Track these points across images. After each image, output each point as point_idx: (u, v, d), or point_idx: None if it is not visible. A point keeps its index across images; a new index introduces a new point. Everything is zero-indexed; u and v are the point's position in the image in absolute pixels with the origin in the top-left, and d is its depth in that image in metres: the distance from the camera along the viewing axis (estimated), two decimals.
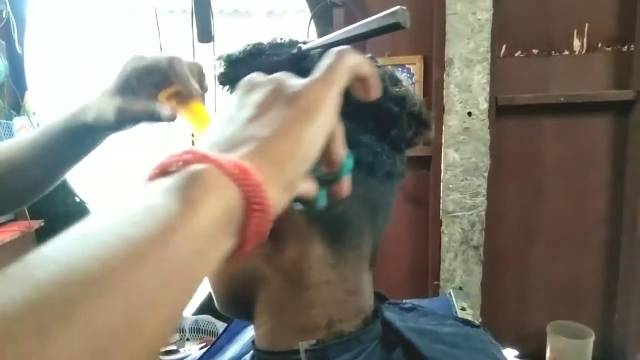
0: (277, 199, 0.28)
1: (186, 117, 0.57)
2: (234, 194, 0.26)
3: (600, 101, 1.65)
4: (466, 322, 0.57)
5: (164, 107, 0.57)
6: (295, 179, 0.30)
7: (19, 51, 2.07)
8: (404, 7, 0.39)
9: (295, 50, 0.48)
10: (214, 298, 0.53)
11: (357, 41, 0.49)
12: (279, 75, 0.34)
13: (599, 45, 1.67)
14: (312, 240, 0.45)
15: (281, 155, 0.29)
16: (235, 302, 0.52)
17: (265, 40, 0.50)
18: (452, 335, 0.52)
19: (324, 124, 0.31)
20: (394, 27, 0.51)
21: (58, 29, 2.18)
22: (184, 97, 0.57)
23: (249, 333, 0.66)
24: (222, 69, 0.52)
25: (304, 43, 0.49)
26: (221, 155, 0.27)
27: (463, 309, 1.41)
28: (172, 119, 0.57)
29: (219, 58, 0.54)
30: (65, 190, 2.19)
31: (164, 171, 0.27)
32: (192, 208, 0.25)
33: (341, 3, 1.69)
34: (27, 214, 1.99)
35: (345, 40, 0.50)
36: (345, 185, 0.37)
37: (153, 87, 0.59)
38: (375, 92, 0.35)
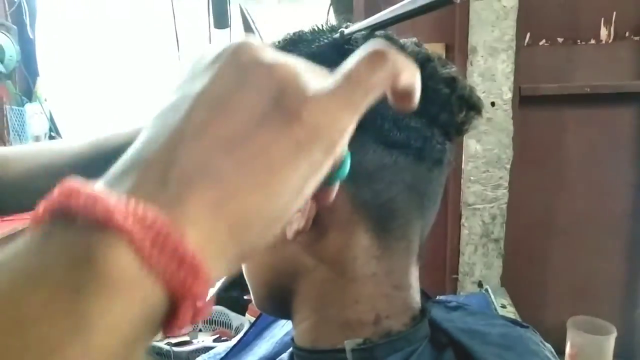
0: (219, 272, 0.19)
1: None
2: (156, 290, 0.17)
3: (627, 92, 1.61)
4: (515, 322, 0.55)
5: None
6: (257, 245, 0.21)
7: (31, 36, 2.05)
8: None
9: (337, 35, 0.46)
10: (252, 294, 0.50)
11: (403, 20, 0.46)
12: (291, 61, 0.23)
13: (627, 34, 1.62)
14: (357, 229, 0.43)
15: (248, 216, 0.19)
16: (274, 297, 0.49)
17: (306, 27, 0.48)
18: (503, 337, 0.49)
19: (327, 164, 0.22)
20: (445, 1, 0.48)
21: (70, 14, 2.15)
22: None
23: (279, 330, 0.63)
24: None
25: (346, 27, 0.46)
26: (142, 214, 0.17)
27: (504, 306, 1.37)
28: None
29: None
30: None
31: (39, 220, 0.18)
32: (87, 325, 0.16)
33: None
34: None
35: (391, 20, 0.47)
36: (334, 192, 0.29)
37: None
38: (411, 105, 0.25)
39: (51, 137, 2.08)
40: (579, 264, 1.76)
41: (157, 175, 0.18)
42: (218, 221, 0.18)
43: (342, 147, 0.22)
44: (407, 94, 0.24)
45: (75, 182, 0.18)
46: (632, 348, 1.73)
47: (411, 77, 0.24)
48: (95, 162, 0.55)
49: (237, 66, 0.22)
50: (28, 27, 2.03)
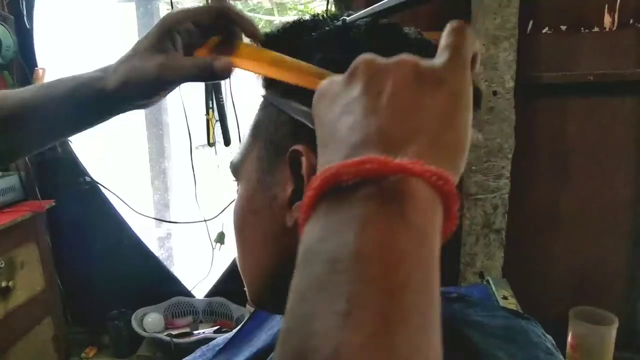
0: (455, 187, 0.27)
1: (240, 64, 0.49)
2: (440, 208, 0.26)
3: (631, 80, 1.59)
4: (517, 314, 0.53)
5: (218, 60, 0.48)
6: (460, 172, 0.29)
7: (28, 26, 2.03)
8: None
9: (339, 23, 0.45)
10: (247, 289, 0.49)
11: (406, 8, 0.45)
12: (404, 56, 0.30)
13: (631, 21, 1.59)
14: None
15: (453, 148, 0.28)
16: (271, 290, 0.48)
17: (306, 17, 0.48)
18: (505, 328, 0.48)
19: (470, 107, 0.29)
20: None
21: (68, 3, 2.13)
22: (224, 48, 0.50)
23: (278, 321, 0.62)
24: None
25: (348, 15, 0.46)
26: (415, 162, 0.25)
27: (505, 297, 1.36)
28: (227, 72, 0.49)
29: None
30: (76, 170, 2.16)
31: (335, 183, 0.26)
32: (424, 238, 0.24)
33: None
34: (38, 194, 1.96)
35: (393, 8, 0.46)
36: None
37: (195, 44, 0.52)
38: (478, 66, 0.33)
39: None
40: (581, 255, 1.75)
41: (391, 142, 0.26)
42: (438, 155, 0.26)
43: (472, 94, 0.30)
44: (476, 64, 0.32)
45: (368, 157, 0.25)
46: (634, 338, 1.72)
47: (477, 43, 0.32)
48: (42, 107, 0.55)
49: (373, 70, 0.30)
50: (25, 17, 2.01)
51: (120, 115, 0.57)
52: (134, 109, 0.56)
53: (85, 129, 0.59)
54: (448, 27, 0.31)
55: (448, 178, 0.25)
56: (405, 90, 0.28)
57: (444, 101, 0.28)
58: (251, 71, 0.48)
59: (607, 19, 1.60)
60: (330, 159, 0.28)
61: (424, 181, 0.25)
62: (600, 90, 1.62)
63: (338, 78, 0.31)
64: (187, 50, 0.52)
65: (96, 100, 0.53)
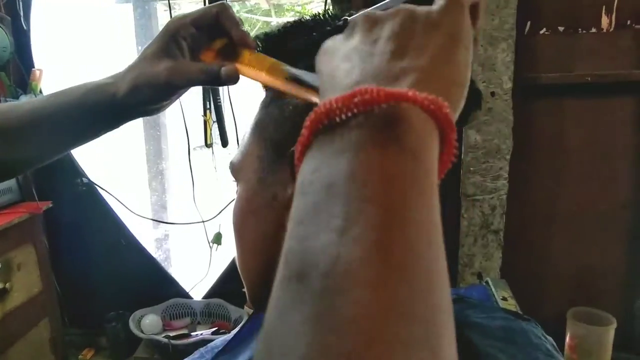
0: (454, 118, 0.28)
1: (242, 71, 0.49)
2: (436, 133, 0.26)
3: (629, 81, 1.59)
4: (516, 315, 0.53)
5: (225, 66, 0.49)
6: (458, 106, 0.29)
7: (25, 27, 2.02)
8: None
9: (341, 22, 0.46)
10: (247, 289, 0.49)
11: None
12: (402, 5, 0.31)
13: (628, 22, 1.60)
14: None
15: (445, 83, 0.28)
16: (270, 290, 0.48)
17: (307, 16, 0.48)
18: (505, 330, 0.48)
19: (470, 49, 0.30)
20: None
21: (64, 3, 2.12)
22: (229, 52, 0.51)
23: None
24: (259, 48, 0.50)
25: (349, 15, 0.46)
26: (407, 90, 0.25)
27: (504, 298, 1.36)
28: (234, 78, 0.49)
29: (257, 37, 0.51)
30: (73, 171, 2.16)
31: (328, 118, 0.26)
32: (419, 161, 0.24)
33: None
34: (35, 196, 1.96)
35: (395, 3, 0.46)
36: None
37: (200, 47, 0.53)
38: (483, 20, 0.34)
39: None
40: (579, 255, 1.75)
41: (384, 79, 0.27)
42: (430, 89, 0.26)
43: (470, 35, 0.30)
44: (478, 11, 0.33)
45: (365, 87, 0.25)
46: (632, 339, 1.72)
47: None
48: (54, 114, 0.56)
49: (371, 21, 0.31)
50: (22, 18, 2.00)
51: (130, 122, 0.58)
52: (144, 115, 0.56)
53: (95, 137, 0.60)
54: None
55: (442, 104, 0.25)
56: (401, 33, 0.29)
57: (440, 41, 0.28)
58: (252, 79, 0.48)
59: (604, 20, 1.60)
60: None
61: (417, 107, 0.25)
62: (597, 91, 1.62)
63: (339, 35, 0.33)
64: (194, 54, 0.52)
65: (107, 106, 0.53)
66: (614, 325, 1.55)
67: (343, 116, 0.25)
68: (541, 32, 1.64)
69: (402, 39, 0.29)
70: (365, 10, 0.32)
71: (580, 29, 1.62)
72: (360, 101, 0.25)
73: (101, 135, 0.59)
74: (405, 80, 0.27)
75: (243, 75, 0.49)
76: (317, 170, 0.25)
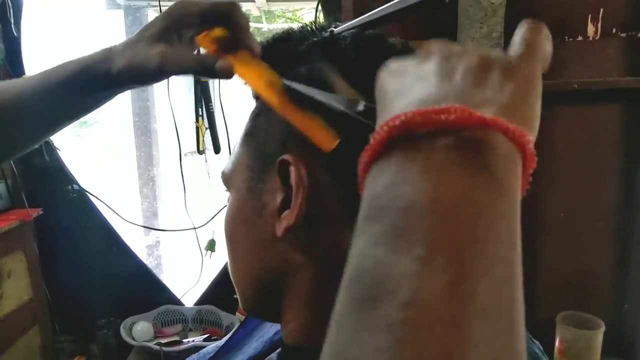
0: (532, 143, 0.28)
1: (238, 69, 0.48)
2: (520, 164, 0.26)
3: (615, 88, 1.61)
4: None
5: (222, 60, 0.48)
6: (535, 134, 0.29)
7: (16, 34, 2.02)
8: None
9: (327, 34, 0.46)
10: (239, 296, 0.50)
11: (392, 21, 0.46)
12: (477, 47, 0.31)
13: (614, 30, 1.62)
14: (348, 224, 0.42)
15: (527, 120, 0.27)
16: (262, 297, 0.48)
17: (295, 27, 0.49)
18: None
19: (540, 99, 0.29)
20: (434, 1, 0.47)
21: (55, 10, 2.12)
22: (228, 44, 0.50)
23: (269, 329, 0.62)
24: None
25: (335, 27, 0.47)
26: (496, 117, 0.24)
27: None
28: (228, 73, 0.48)
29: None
30: (63, 178, 2.15)
31: (406, 131, 0.25)
32: (506, 191, 0.24)
33: None
34: (26, 202, 1.95)
35: (380, 19, 0.47)
36: None
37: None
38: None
39: None
40: (568, 260, 1.76)
41: (477, 105, 0.26)
42: (521, 119, 0.26)
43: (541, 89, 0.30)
44: (546, 65, 0.32)
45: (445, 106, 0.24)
46: (621, 343, 1.74)
47: (550, 44, 0.33)
48: (48, 89, 0.57)
49: (447, 52, 0.30)
50: (13, 25, 2.00)
51: (116, 97, 0.59)
52: (132, 88, 0.57)
53: (86, 112, 0.61)
54: (523, 23, 0.32)
55: (527, 134, 0.25)
56: (482, 68, 0.28)
57: (517, 85, 0.27)
58: (245, 79, 0.48)
59: (590, 29, 1.63)
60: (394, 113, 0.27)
61: (504, 136, 0.24)
62: (585, 98, 1.64)
63: (407, 59, 0.31)
64: (191, 43, 0.52)
65: (100, 81, 0.53)
66: (603, 329, 1.56)
67: (424, 131, 0.24)
68: None
69: (483, 73, 0.28)
70: (439, 41, 0.31)
71: (567, 37, 1.65)
72: (447, 120, 0.24)
73: (91, 110, 0.60)
74: (489, 107, 0.25)
75: (237, 73, 0.48)
76: (394, 186, 0.24)
